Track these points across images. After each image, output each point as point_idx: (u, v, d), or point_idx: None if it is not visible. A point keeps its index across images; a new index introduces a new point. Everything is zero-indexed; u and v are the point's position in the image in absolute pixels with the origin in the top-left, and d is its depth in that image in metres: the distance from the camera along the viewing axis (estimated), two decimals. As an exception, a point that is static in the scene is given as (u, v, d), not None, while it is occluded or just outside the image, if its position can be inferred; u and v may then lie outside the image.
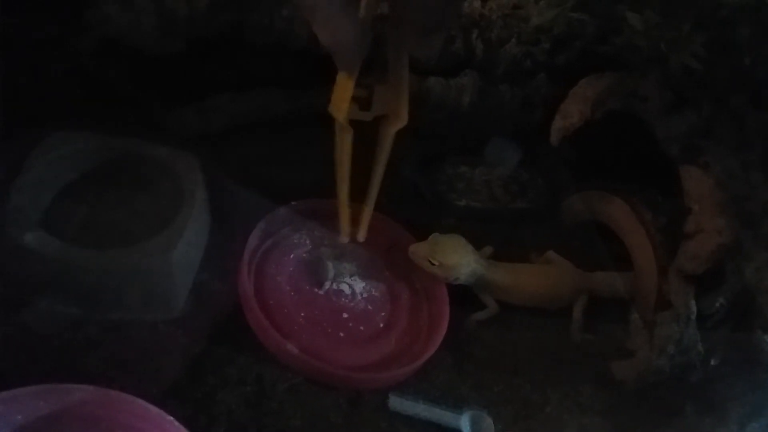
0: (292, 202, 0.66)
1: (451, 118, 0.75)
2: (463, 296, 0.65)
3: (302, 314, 0.60)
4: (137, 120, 0.64)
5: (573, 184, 0.77)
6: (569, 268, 0.69)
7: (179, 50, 0.64)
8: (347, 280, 0.64)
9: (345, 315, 0.61)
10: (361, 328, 0.61)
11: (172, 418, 0.43)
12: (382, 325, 0.62)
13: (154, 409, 0.43)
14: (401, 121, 0.56)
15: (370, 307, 0.63)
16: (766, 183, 0.62)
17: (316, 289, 0.62)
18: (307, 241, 0.65)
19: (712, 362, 0.60)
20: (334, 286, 0.63)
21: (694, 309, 0.59)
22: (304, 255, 0.64)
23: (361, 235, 0.63)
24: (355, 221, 0.63)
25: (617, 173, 0.73)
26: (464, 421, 0.57)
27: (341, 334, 0.60)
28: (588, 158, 0.76)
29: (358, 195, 0.62)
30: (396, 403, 0.57)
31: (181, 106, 0.67)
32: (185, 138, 0.65)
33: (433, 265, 0.62)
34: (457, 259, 0.63)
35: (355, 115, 0.56)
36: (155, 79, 0.65)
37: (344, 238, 0.63)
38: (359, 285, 0.64)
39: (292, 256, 0.64)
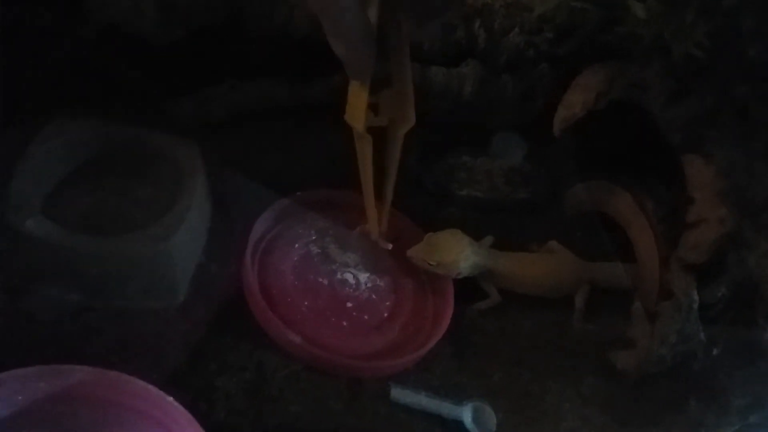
0: (298, 193, 0.65)
1: (453, 108, 0.74)
2: (466, 287, 0.65)
3: (306, 303, 0.60)
4: (138, 108, 0.64)
5: (575, 174, 0.76)
6: (571, 258, 0.69)
7: (179, 39, 0.64)
8: (352, 270, 0.64)
9: (349, 304, 0.61)
10: (365, 317, 0.61)
11: (171, 398, 0.43)
12: (386, 314, 0.62)
13: (153, 389, 0.43)
14: (409, 122, 0.56)
15: (374, 296, 0.63)
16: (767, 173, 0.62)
17: (320, 279, 0.62)
18: (312, 232, 0.65)
19: (714, 352, 0.59)
20: (339, 276, 0.63)
21: (696, 299, 0.58)
22: (309, 245, 0.64)
23: (383, 238, 0.63)
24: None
25: (620, 163, 0.73)
26: (466, 413, 0.57)
27: (344, 324, 0.60)
28: (590, 148, 0.76)
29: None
30: (398, 393, 0.57)
31: (181, 94, 0.66)
32: (186, 126, 0.65)
33: (431, 265, 0.62)
34: (455, 255, 0.63)
35: (371, 122, 0.55)
36: (156, 67, 0.64)
37: (383, 243, 0.63)
38: (364, 275, 0.64)
39: (296, 245, 0.64)
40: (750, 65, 0.63)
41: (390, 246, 0.63)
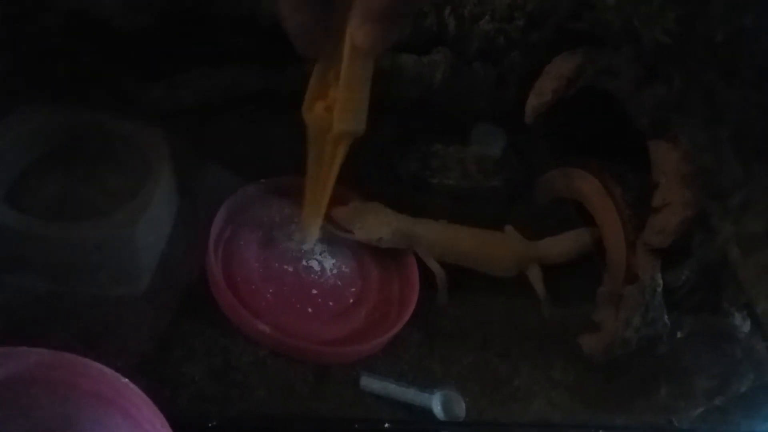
0: (262, 180, 0.65)
1: (424, 96, 0.74)
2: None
3: (271, 290, 0.60)
4: (105, 95, 0.64)
5: (548, 161, 0.77)
6: (514, 236, 0.69)
7: (146, 24, 0.63)
8: (317, 256, 0.63)
9: (314, 291, 0.61)
10: (331, 303, 0.61)
11: (127, 380, 0.43)
12: (351, 301, 0.62)
13: (109, 371, 0.43)
14: (354, 130, 0.45)
15: (339, 283, 0.63)
16: (734, 157, 0.62)
17: (285, 266, 0.62)
18: (276, 219, 0.65)
19: (679, 335, 0.60)
20: (304, 263, 0.63)
21: (660, 282, 0.59)
22: (273, 232, 0.64)
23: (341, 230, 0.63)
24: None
25: (592, 149, 0.73)
26: (435, 401, 0.58)
27: (310, 310, 0.60)
28: (562, 135, 0.76)
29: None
30: (368, 383, 0.57)
31: (150, 81, 0.66)
32: (154, 113, 0.64)
33: (355, 227, 0.62)
34: (376, 220, 0.63)
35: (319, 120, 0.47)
36: (124, 54, 0.64)
37: (344, 234, 0.63)
38: (329, 261, 0.63)
39: (260, 233, 0.63)
40: (717, 50, 0.63)
41: (353, 235, 0.63)
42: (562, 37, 0.71)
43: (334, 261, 0.64)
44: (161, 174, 0.58)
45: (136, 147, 0.60)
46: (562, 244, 0.69)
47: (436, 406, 0.58)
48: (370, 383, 0.57)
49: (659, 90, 0.65)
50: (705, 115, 0.64)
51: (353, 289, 0.62)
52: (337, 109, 0.45)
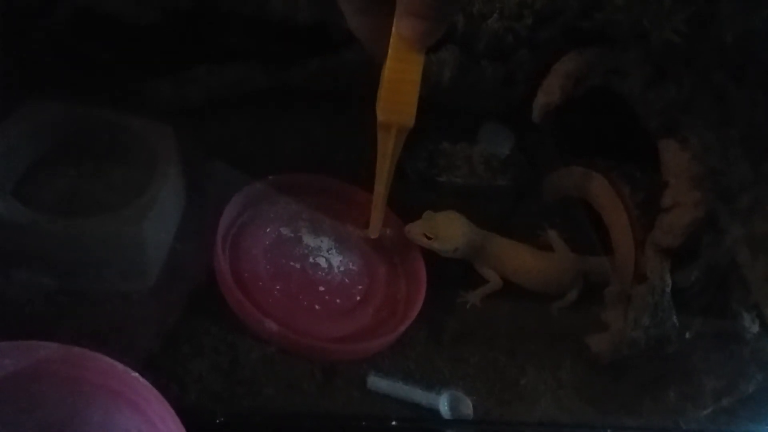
0: (269, 176, 0.65)
1: (432, 93, 0.74)
2: (442, 271, 0.65)
3: (278, 287, 0.59)
4: (113, 91, 0.63)
5: (555, 160, 0.76)
6: (569, 256, 0.69)
7: (155, 20, 0.63)
8: (324, 254, 0.63)
9: (321, 288, 0.61)
10: (338, 301, 0.61)
11: (137, 374, 0.43)
12: (359, 298, 0.62)
13: (120, 366, 0.43)
14: (380, 114, 0.46)
15: (347, 280, 0.62)
16: (744, 158, 0.62)
17: (292, 263, 0.62)
18: (284, 216, 0.65)
19: (687, 335, 0.60)
20: (311, 260, 0.63)
21: (669, 282, 0.59)
22: (281, 229, 0.64)
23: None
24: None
25: (600, 149, 0.73)
26: (442, 402, 0.57)
27: (317, 307, 0.60)
28: (570, 134, 0.76)
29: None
30: (375, 383, 0.57)
31: (157, 77, 0.66)
32: (162, 110, 0.64)
33: (430, 239, 0.62)
34: (453, 230, 0.63)
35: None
36: (131, 49, 0.64)
37: (372, 233, 0.62)
38: (336, 259, 0.63)
39: (268, 229, 0.63)
40: (727, 51, 0.63)
41: (377, 235, 0.63)
42: (570, 36, 0.71)
43: (341, 258, 0.63)
44: (169, 170, 0.58)
45: (143, 143, 0.60)
46: (606, 267, 0.68)
47: (443, 407, 0.57)
48: (378, 383, 0.57)
49: (669, 90, 0.65)
50: (714, 115, 0.64)
51: (360, 287, 0.62)
52: (379, 99, 0.46)
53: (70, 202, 0.58)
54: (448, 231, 0.63)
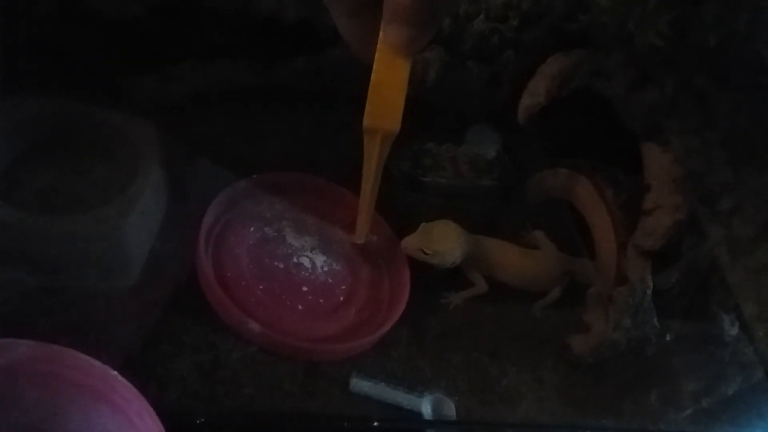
0: (253, 176, 0.65)
1: (417, 94, 0.74)
2: (425, 273, 0.64)
3: (261, 287, 0.59)
4: (96, 87, 0.63)
5: (540, 161, 0.77)
6: (556, 255, 0.69)
7: (140, 16, 0.63)
8: (308, 253, 0.63)
9: (305, 288, 0.61)
10: (321, 301, 0.61)
11: (116, 372, 0.43)
12: (342, 298, 0.62)
13: (97, 364, 0.43)
14: (365, 118, 0.46)
15: (330, 280, 0.62)
16: (725, 161, 0.63)
17: (275, 263, 0.62)
18: (268, 215, 0.65)
19: (667, 337, 0.60)
20: (295, 260, 0.62)
21: (650, 284, 0.59)
22: (265, 228, 0.64)
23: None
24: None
25: (584, 151, 0.73)
26: (425, 404, 0.58)
27: (300, 307, 0.59)
28: (555, 136, 0.76)
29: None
30: (357, 385, 0.57)
31: (141, 74, 0.65)
32: (145, 106, 0.64)
33: (427, 254, 0.62)
34: (450, 244, 0.63)
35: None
36: (115, 45, 0.63)
37: (358, 238, 0.62)
38: (320, 259, 0.63)
39: (252, 229, 0.63)
40: (709, 54, 0.63)
41: (363, 240, 0.62)
42: (556, 38, 0.72)
43: (325, 258, 0.63)
44: (151, 168, 0.58)
45: (126, 140, 0.59)
46: (591, 269, 0.69)
47: (426, 409, 0.57)
48: (360, 385, 0.57)
49: (652, 93, 0.65)
50: (697, 119, 0.64)
51: (344, 287, 0.62)
52: (367, 105, 0.45)
53: (51, 198, 0.57)
54: (445, 245, 0.63)
